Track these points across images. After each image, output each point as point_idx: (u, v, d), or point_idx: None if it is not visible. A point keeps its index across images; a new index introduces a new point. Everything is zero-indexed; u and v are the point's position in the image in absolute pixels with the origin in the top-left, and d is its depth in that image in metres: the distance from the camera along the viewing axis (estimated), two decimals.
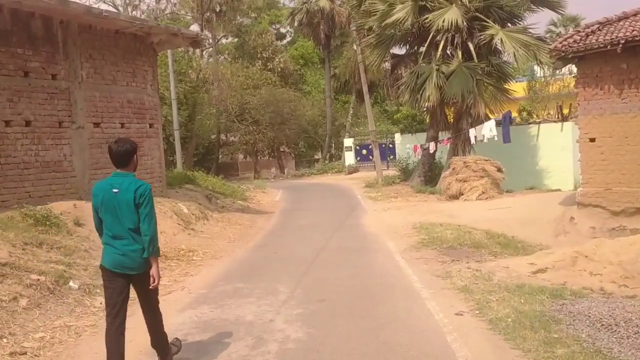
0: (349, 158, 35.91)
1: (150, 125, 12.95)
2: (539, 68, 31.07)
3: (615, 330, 5.10)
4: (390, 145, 34.28)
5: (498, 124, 19.12)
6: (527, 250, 9.70)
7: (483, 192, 17.51)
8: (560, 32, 42.17)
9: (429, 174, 23.57)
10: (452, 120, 22.17)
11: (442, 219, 12.85)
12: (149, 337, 4.75)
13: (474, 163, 18.30)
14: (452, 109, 22.00)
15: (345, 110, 42.97)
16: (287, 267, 8.63)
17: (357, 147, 36.43)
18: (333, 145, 43.01)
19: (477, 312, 5.87)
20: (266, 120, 37.75)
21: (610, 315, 5.42)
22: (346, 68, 38.20)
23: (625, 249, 7.75)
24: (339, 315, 5.96)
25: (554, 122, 26.89)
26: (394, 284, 7.24)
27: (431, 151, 21.54)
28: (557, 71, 33.94)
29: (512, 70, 22.74)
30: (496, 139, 17.26)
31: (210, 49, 41.73)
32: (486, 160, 18.51)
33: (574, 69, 34.47)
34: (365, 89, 25.72)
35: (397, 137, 31.34)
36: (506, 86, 21.54)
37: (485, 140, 17.28)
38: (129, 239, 4.35)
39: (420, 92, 20.36)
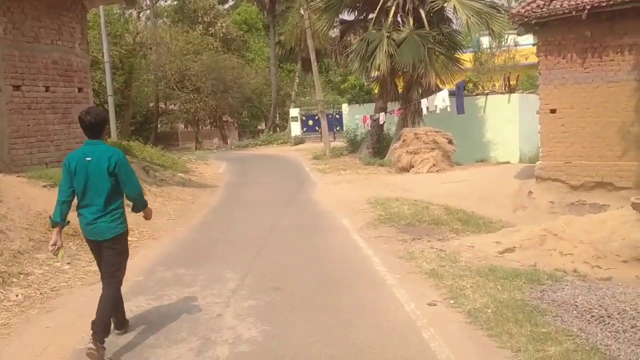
0: (295, 129, 34.96)
1: (79, 90, 11.67)
2: (488, 38, 30.90)
3: (609, 323, 4.57)
4: (337, 116, 33.52)
5: (451, 94, 18.64)
6: (489, 227, 9.21)
7: (434, 165, 17.10)
8: (502, 3, 42.12)
9: (377, 145, 23.04)
10: (402, 90, 21.62)
11: (396, 193, 12.26)
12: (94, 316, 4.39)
13: (424, 135, 17.83)
14: (402, 78, 21.44)
15: (291, 79, 41.84)
16: (236, 249, 7.80)
17: (304, 118, 35.48)
18: (277, 115, 41.92)
19: (451, 301, 5.24)
20: (208, 88, 36.18)
21: (600, 306, 4.90)
22: (292, 35, 36.96)
23: (597, 227, 7.33)
24: (298, 308, 5.20)
25: (501, 93, 26.83)
26: (355, 269, 6.55)
27: (381, 122, 20.95)
28: (503, 42, 34.05)
29: (462, 39, 22.25)
30: (449, 109, 16.76)
31: (148, 10, 39.51)
32: (437, 132, 18.07)
33: (520, 40, 34.33)
34: (312, 56, 24.75)
35: (345, 107, 30.60)
36: (457, 56, 21.11)
37: (437, 111, 16.78)
38: (99, 207, 4.41)
39: (371, 60, 19.64)
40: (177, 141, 42.12)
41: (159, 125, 40.31)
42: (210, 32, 41.06)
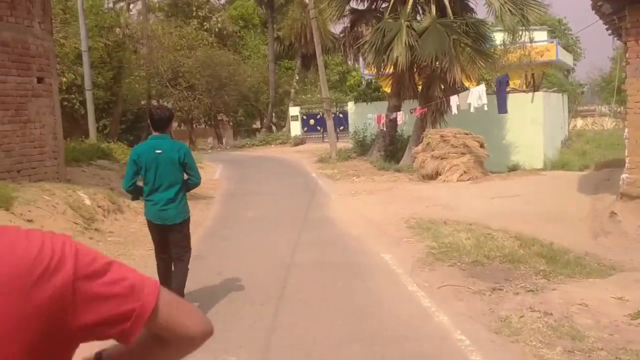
0: (295, 128, 32.54)
1: (39, 80, 9.17)
2: (503, 34, 28.75)
3: None
4: (341, 115, 31.12)
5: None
6: (583, 266, 6.80)
7: (465, 172, 14.75)
8: None
9: (390, 148, 20.71)
10: (420, 87, 19.28)
11: (436, 211, 9.86)
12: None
13: (453, 137, 15.48)
14: (420, 74, 19.09)
15: (288, 77, 39.45)
16: (240, 308, 5.33)
17: (304, 117, 33.07)
18: (274, 114, 39.51)
19: None
20: (202, 85, 33.71)
21: None
22: (291, 30, 34.62)
23: None
24: None
25: (524, 92, 24.57)
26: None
27: (399, 122, 18.56)
28: (518, 38, 31.91)
29: (489, 30, 19.87)
30: (486, 108, 14.36)
31: (139, 3, 36.91)
32: (467, 134, 15.75)
33: (536, 36, 32.03)
34: (318, 49, 22.29)
35: (350, 106, 28.16)
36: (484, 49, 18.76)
37: (472, 110, 14.37)
38: (170, 195, 4.91)
39: (387, 53, 17.28)
40: None
41: None
42: (205, 27, 38.61)
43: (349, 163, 20.35)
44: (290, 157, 24.18)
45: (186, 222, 5.14)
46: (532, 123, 23.18)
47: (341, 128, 30.75)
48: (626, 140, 8.79)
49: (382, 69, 18.63)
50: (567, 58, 41.00)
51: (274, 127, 39.28)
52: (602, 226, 8.86)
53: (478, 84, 19.90)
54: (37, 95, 9.07)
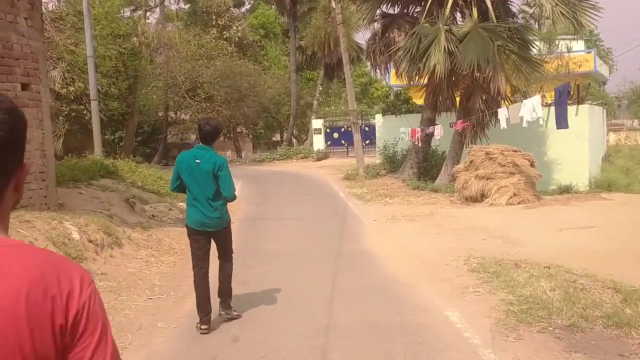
0: (318, 142, 30.96)
1: (24, 87, 7.69)
2: (540, 43, 27.04)
3: None
4: (367, 129, 29.48)
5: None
6: None
7: (515, 194, 13.03)
8: None
9: (424, 164, 19.04)
10: (458, 98, 17.62)
11: (497, 246, 8.16)
12: (218, 286, 5.41)
13: (500, 154, 13.77)
14: (460, 84, 17.42)
15: (310, 88, 38.01)
16: None
17: (328, 130, 31.52)
18: (295, 127, 38.02)
19: None
20: (221, 96, 32.38)
21: None
22: (314, 39, 33.21)
23: None
24: None
25: (568, 104, 22.71)
26: None
27: (437, 137, 16.90)
28: (555, 48, 30.23)
29: (535, 35, 18.15)
30: (542, 122, 12.63)
31: (157, 8, 35.79)
32: (515, 151, 14.02)
33: (574, 46, 30.17)
34: (345, 57, 20.81)
35: (378, 118, 26.49)
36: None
37: (524, 124, 12.65)
38: (208, 205, 5.12)
39: (424, 60, 15.65)
40: None
41: (168, 136, 36.52)
42: (225, 36, 37.42)
43: (378, 181, 18.76)
44: (313, 173, 22.64)
45: (228, 226, 5.40)
46: (577, 138, 21.28)
47: (367, 142, 29.15)
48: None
49: (416, 78, 16.96)
50: (603, 69, 39.08)
51: (295, 141, 37.85)
52: None
53: (512, 95, 18.27)
54: (22, 104, 7.57)
